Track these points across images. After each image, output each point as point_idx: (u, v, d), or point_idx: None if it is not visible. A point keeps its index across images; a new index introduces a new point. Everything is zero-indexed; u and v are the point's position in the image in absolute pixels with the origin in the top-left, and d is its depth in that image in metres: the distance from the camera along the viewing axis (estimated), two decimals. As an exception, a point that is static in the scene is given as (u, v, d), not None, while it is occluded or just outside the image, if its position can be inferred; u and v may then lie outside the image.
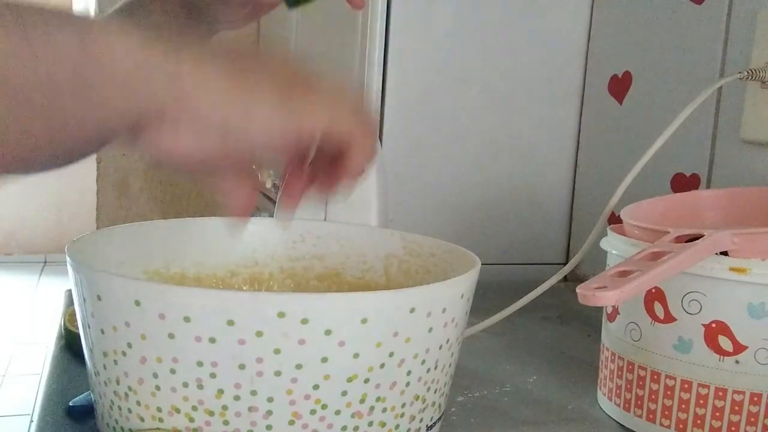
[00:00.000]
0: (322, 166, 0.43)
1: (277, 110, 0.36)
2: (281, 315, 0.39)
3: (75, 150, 0.34)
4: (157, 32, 0.35)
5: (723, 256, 0.52)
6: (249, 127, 0.36)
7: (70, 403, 0.55)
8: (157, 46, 0.34)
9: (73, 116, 0.32)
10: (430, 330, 0.44)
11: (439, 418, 0.50)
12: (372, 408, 0.43)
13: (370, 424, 0.43)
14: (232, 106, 0.35)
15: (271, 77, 0.37)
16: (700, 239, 0.51)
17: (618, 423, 0.59)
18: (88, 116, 0.32)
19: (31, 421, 0.55)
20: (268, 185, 0.66)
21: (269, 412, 0.41)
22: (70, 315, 0.68)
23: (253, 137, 0.36)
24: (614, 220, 0.65)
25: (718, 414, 0.54)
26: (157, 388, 0.42)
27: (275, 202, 0.68)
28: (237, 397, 0.41)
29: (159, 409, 0.42)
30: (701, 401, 0.54)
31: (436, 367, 0.46)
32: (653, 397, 0.56)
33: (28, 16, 0.30)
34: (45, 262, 4.04)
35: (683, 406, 0.55)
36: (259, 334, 0.39)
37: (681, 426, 0.55)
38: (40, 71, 0.30)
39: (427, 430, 0.48)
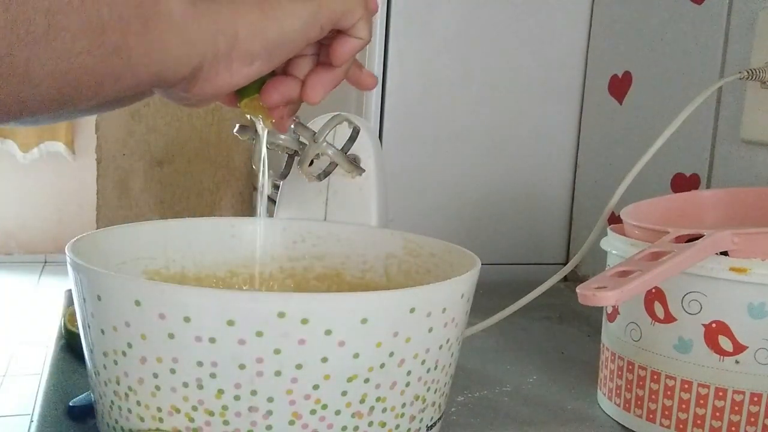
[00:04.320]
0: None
1: (302, 4, 0.42)
2: (281, 315, 0.39)
3: (132, 90, 0.38)
4: None
5: (723, 256, 0.52)
6: (289, 34, 0.42)
7: (70, 403, 0.55)
8: None
9: (139, 57, 0.36)
10: (430, 330, 0.44)
11: (439, 418, 0.50)
12: (372, 408, 0.43)
13: (370, 424, 0.43)
14: (268, 27, 0.41)
15: None
16: (700, 239, 0.51)
17: (618, 423, 0.59)
18: (152, 59, 0.37)
19: (31, 421, 0.55)
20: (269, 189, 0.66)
21: (269, 412, 0.41)
22: (70, 315, 0.68)
23: (291, 43, 0.42)
24: (614, 220, 0.65)
25: (718, 414, 0.54)
26: (157, 388, 0.42)
27: (275, 202, 0.68)
28: (237, 397, 0.41)
29: (159, 409, 0.42)
30: (701, 401, 0.54)
31: (436, 367, 0.46)
32: (653, 397, 0.56)
33: None
34: (45, 262, 4.04)
35: (683, 406, 0.55)
36: (259, 334, 0.39)
37: (681, 426, 0.55)
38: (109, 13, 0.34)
39: (427, 430, 0.48)
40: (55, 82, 0.34)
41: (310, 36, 0.44)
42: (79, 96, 0.36)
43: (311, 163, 0.63)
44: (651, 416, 0.56)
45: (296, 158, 0.64)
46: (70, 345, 0.67)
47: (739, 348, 0.52)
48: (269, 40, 0.41)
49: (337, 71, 0.49)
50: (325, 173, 0.64)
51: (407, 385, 0.44)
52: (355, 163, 0.64)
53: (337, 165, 0.63)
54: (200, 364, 0.40)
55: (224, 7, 0.39)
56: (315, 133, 0.61)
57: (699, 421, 0.54)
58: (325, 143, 0.60)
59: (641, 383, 0.57)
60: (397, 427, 0.45)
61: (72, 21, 0.33)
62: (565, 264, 0.76)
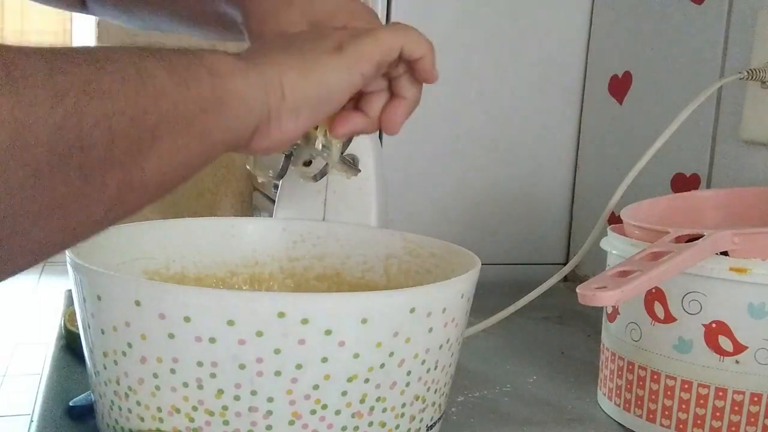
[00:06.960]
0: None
1: (338, 61, 0.45)
2: (281, 315, 0.39)
3: (210, 162, 0.41)
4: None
5: (723, 256, 0.52)
6: (328, 89, 0.45)
7: (70, 403, 0.55)
8: (240, 61, 0.41)
9: (218, 134, 0.39)
10: (430, 330, 0.44)
11: (439, 418, 0.50)
12: (372, 408, 0.43)
13: (370, 424, 0.43)
14: (309, 80, 0.44)
15: (314, 42, 0.46)
16: (700, 239, 0.51)
17: (618, 423, 0.59)
18: (226, 131, 0.40)
19: (31, 421, 0.55)
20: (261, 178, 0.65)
21: (269, 412, 0.41)
22: (70, 315, 0.68)
23: (334, 96, 0.46)
24: (614, 220, 0.65)
25: (718, 414, 0.54)
26: (157, 388, 0.42)
27: (275, 202, 0.68)
28: (237, 397, 0.41)
29: (159, 409, 0.42)
30: (701, 401, 0.54)
31: (436, 367, 0.46)
32: (653, 397, 0.56)
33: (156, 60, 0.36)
34: (45, 262, 4.04)
35: (683, 406, 0.55)
36: (259, 334, 0.39)
37: (681, 426, 0.55)
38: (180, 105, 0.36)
39: (427, 430, 0.48)
40: (161, 182, 0.37)
41: (352, 87, 0.46)
42: (177, 183, 0.39)
43: (309, 163, 0.63)
44: (651, 416, 0.56)
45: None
46: (70, 345, 0.67)
47: (739, 348, 0.52)
48: (311, 95, 0.44)
49: (410, 100, 0.54)
50: (321, 174, 0.64)
51: (407, 385, 0.44)
52: (350, 164, 0.64)
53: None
54: (200, 364, 0.40)
55: (269, 68, 0.42)
56: (308, 133, 0.61)
57: (699, 421, 0.54)
58: (318, 144, 0.60)
59: (641, 383, 0.57)
60: (397, 427, 0.45)
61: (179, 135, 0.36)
62: (565, 264, 0.76)
